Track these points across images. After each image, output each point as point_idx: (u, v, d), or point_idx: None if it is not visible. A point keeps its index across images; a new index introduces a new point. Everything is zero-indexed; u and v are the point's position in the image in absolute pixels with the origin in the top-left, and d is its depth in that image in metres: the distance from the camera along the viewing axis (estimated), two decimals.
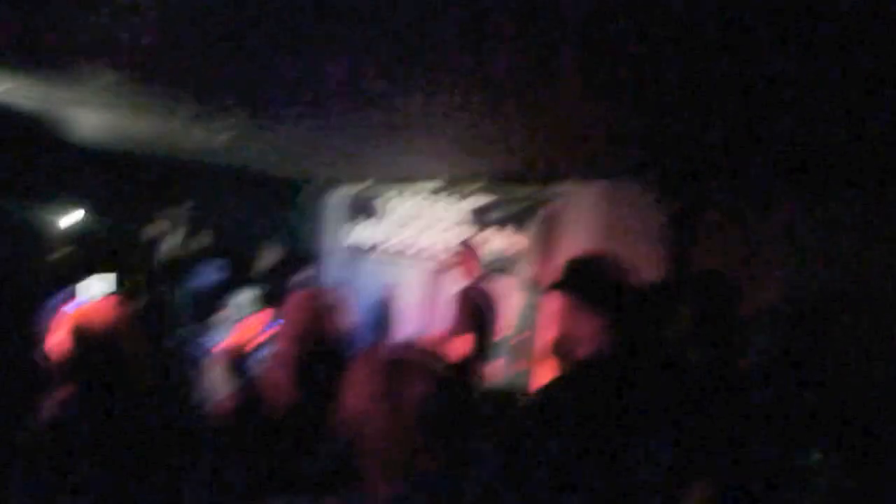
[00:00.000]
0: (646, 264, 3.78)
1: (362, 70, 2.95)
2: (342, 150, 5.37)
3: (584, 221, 4.71)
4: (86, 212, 6.58)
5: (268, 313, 3.81)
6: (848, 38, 1.80)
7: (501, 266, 5.37)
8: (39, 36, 2.84)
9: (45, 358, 2.21)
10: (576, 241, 4.75)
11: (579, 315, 1.84)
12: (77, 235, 6.42)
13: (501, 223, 5.48)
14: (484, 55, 2.55)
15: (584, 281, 1.87)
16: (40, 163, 6.29)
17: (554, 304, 1.92)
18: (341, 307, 2.64)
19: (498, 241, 5.48)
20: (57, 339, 2.13)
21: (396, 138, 4.50)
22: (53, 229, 6.36)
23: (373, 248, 7.11)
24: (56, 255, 5.94)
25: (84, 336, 2.07)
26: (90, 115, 4.67)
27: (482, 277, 4.47)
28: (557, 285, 1.91)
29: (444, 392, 1.33)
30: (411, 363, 1.39)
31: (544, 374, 3.37)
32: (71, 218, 6.55)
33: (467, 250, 4.46)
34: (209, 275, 6.80)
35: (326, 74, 3.11)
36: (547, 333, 4.83)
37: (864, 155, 3.14)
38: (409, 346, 1.66)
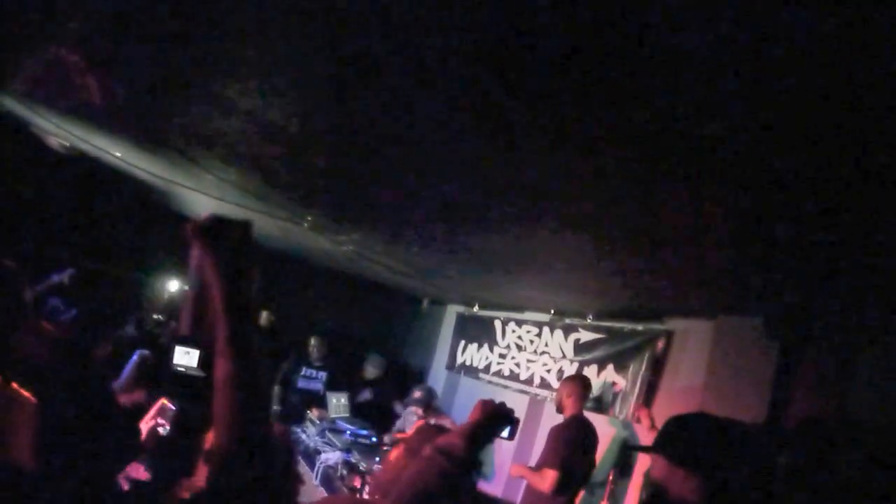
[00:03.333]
0: (751, 402, 3.61)
1: (484, 204, 3.13)
2: (458, 274, 5.56)
3: (689, 359, 4.52)
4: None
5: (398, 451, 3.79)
6: None
7: (603, 403, 5.17)
8: (166, 125, 3.22)
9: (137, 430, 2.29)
10: (681, 379, 4.53)
11: (676, 475, 1.85)
12: (175, 307, 6.75)
13: (607, 360, 5.31)
14: (600, 204, 2.66)
15: (682, 443, 1.89)
16: (151, 233, 6.67)
17: (652, 461, 1.94)
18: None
19: (602, 378, 5.29)
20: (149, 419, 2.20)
21: (511, 270, 4.62)
22: (158, 297, 6.74)
23: (479, 369, 7.10)
24: (155, 323, 6.26)
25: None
26: (208, 201, 5.07)
27: (579, 414, 4.30)
28: (655, 447, 1.94)
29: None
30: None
31: None
32: (176, 286, 6.95)
33: (569, 385, 4.35)
34: (310, 377, 6.98)
35: (450, 204, 3.32)
36: (642, 482, 4.53)
37: None
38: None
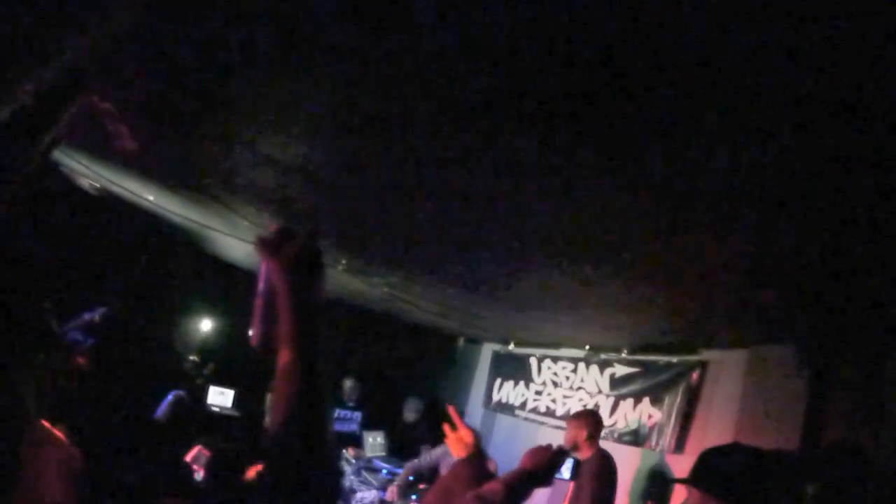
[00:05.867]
0: (785, 430, 3.58)
1: (523, 246, 3.24)
2: (493, 314, 5.64)
3: (723, 390, 4.50)
4: (225, 325, 6.87)
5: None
6: None
7: (640, 436, 5.14)
8: (201, 173, 3.33)
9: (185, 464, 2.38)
10: (716, 409, 4.50)
11: None
12: (209, 348, 6.78)
13: (643, 393, 5.29)
14: (632, 241, 2.75)
15: (716, 474, 1.92)
16: (181, 274, 6.69)
17: (687, 494, 1.96)
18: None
19: (639, 411, 5.27)
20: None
21: (546, 308, 4.69)
22: (188, 338, 6.77)
23: (515, 406, 7.10)
24: (188, 364, 6.29)
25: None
26: (245, 245, 5.14)
27: (601, 449, 4.31)
28: (690, 479, 1.97)
29: None
30: None
31: None
32: (205, 328, 6.96)
33: (584, 422, 4.32)
34: (345, 418, 7.04)
35: (488, 246, 3.43)
36: None
37: None
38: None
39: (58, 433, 1.94)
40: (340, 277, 5.54)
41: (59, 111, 2.28)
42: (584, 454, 4.36)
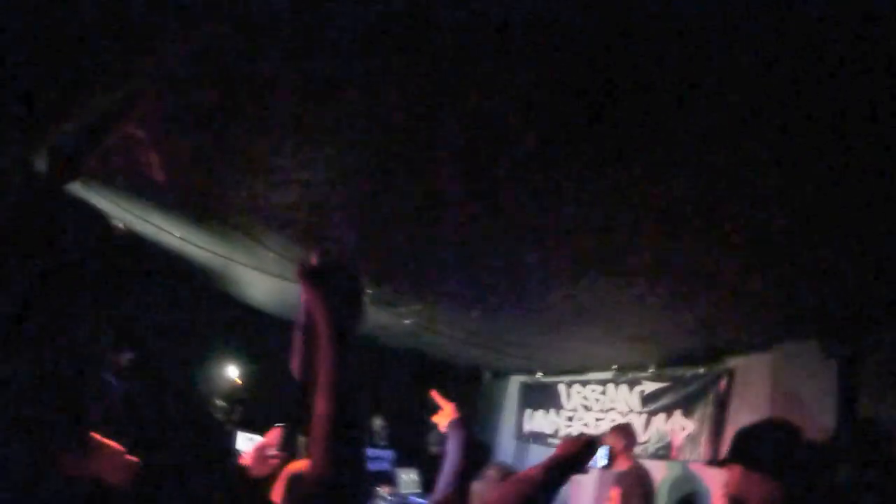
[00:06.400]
0: (816, 423, 3.58)
1: (553, 261, 3.35)
2: (520, 337, 5.69)
3: (751, 394, 4.53)
4: (252, 370, 6.79)
5: None
6: None
7: (673, 448, 5.15)
8: (228, 202, 3.40)
9: None
10: (746, 413, 4.50)
11: (752, 481, 1.89)
12: (237, 392, 6.69)
13: (673, 406, 5.32)
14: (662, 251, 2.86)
15: (755, 449, 1.96)
16: (208, 315, 6.60)
17: (728, 476, 1.98)
18: None
19: (670, 425, 5.29)
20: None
21: (572, 332, 4.75)
22: (215, 383, 6.66)
23: (548, 434, 7.09)
24: (216, 410, 6.24)
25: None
26: (265, 279, 5.19)
27: (636, 462, 4.34)
28: (730, 457, 2.00)
29: None
30: None
31: None
32: (234, 373, 6.84)
33: (619, 436, 4.37)
34: (376, 457, 7.00)
35: (517, 265, 3.54)
36: None
37: None
38: None
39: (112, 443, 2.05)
40: (366, 311, 5.59)
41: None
42: (622, 467, 4.39)
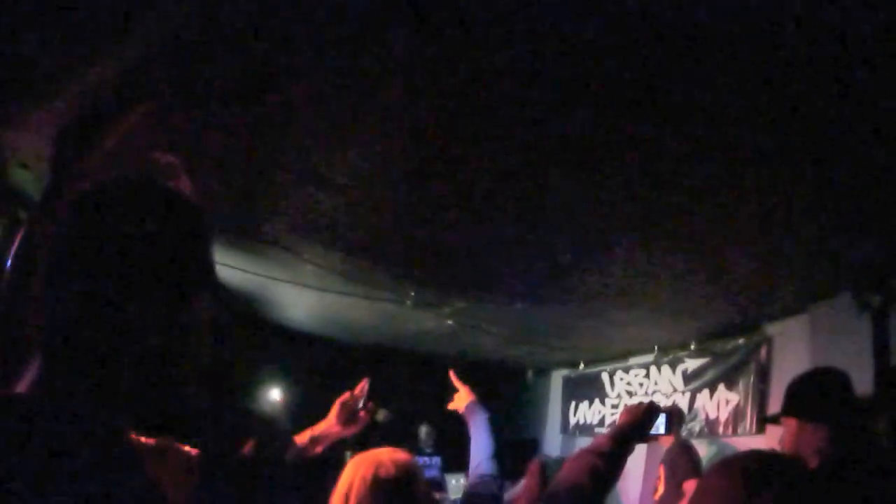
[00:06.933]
0: (854, 375, 3.59)
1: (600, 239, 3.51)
2: (561, 334, 5.79)
3: (792, 358, 4.58)
4: (298, 392, 6.88)
5: None
6: None
7: (721, 423, 5.22)
8: (271, 216, 3.51)
9: None
10: (788, 379, 4.52)
11: (806, 431, 1.95)
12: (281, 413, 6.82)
13: (716, 381, 5.40)
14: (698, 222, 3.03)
15: (808, 398, 2.01)
16: (254, 340, 6.76)
17: (784, 431, 2.03)
18: None
19: (716, 400, 5.37)
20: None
21: (616, 317, 4.86)
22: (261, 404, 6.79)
23: (594, 425, 7.19)
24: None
25: None
26: (309, 297, 5.32)
27: (682, 440, 4.42)
28: (783, 411, 2.05)
29: None
30: None
31: None
32: (278, 395, 6.99)
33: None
34: (424, 465, 7.10)
35: (563, 248, 3.69)
36: None
37: None
38: None
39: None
40: (408, 317, 5.73)
41: None
42: (668, 444, 4.48)
